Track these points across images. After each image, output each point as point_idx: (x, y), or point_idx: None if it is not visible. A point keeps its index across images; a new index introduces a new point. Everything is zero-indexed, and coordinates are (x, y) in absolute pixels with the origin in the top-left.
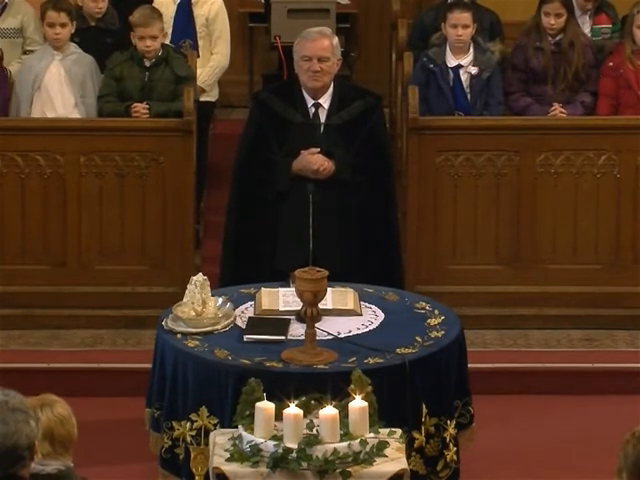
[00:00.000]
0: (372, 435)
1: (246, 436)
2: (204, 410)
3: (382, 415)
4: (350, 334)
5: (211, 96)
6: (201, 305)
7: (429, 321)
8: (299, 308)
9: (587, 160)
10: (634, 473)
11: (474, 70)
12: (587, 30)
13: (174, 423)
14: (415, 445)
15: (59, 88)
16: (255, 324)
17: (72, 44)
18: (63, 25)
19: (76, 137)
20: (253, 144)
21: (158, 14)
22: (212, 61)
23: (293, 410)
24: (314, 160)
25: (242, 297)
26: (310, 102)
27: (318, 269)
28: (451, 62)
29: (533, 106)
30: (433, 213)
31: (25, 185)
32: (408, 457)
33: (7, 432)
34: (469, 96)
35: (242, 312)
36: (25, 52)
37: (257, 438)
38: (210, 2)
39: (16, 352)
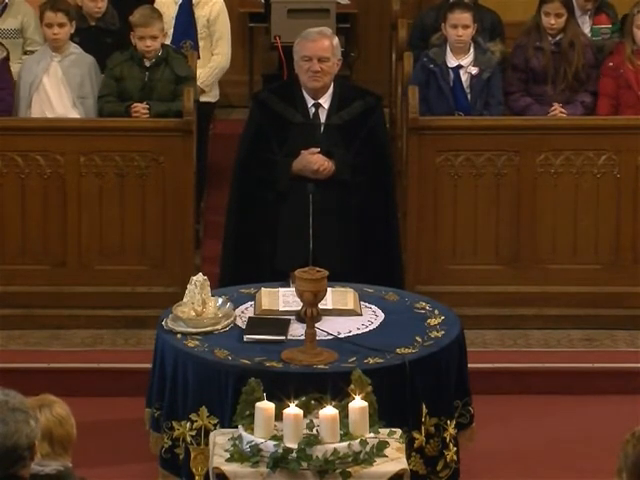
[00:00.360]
0: (372, 435)
1: (246, 436)
2: (204, 410)
3: (382, 415)
4: (350, 334)
5: (211, 97)
6: (201, 305)
7: (429, 321)
8: (299, 308)
9: (587, 160)
10: (634, 473)
11: (474, 70)
12: (587, 30)
13: (174, 423)
14: (415, 445)
15: (57, 90)
16: (255, 324)
17: (72, 44)
18: (61, 25)
19: (76, 137)
20: (253, 144)
21: (158, 14)
22: (212, 62)
23: (293, 410)
24: (314, 160)
25: (242, 297)
26: (310, 102)
27: (318, 269)
28: (451, 62)
29: (533, 106)
30: (433, 213)
31: (25, 185)
32: (408, 457)
33: (7, 432)
34: (469, 96)
35: (242, 312)
36: (25, 52)
37: (257, 438)
38: (211, 3)
39: (16, 352)
